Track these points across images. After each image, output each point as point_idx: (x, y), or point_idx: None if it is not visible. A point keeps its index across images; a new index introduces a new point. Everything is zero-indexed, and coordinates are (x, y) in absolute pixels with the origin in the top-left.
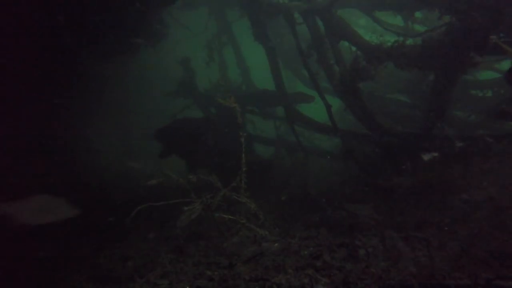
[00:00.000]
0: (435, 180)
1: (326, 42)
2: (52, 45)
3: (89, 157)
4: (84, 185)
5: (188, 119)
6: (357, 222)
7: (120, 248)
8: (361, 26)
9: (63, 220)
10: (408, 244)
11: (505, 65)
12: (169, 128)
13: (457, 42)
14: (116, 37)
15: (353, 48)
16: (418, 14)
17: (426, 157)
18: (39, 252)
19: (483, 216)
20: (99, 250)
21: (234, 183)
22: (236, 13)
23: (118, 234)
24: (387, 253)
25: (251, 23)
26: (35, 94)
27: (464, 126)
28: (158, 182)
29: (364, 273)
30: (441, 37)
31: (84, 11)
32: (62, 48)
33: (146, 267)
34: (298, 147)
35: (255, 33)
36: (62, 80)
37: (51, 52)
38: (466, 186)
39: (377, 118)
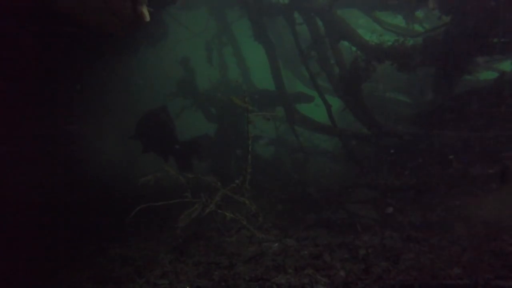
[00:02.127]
0: (435, 181)
1: (326, 42)
2: (52, 44)
3: (89, 157)
4: (84, 185)
5: (149, 110)
6: (357, 222)
7: (120, 248)
8: (361, 26)
9: (63, 220)
10: (408, 244)
11: (505, 65)
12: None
13: (456, 42)
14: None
15: (353, 48)
16: (418, 14)
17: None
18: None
19: (483, 216)
20: (99, 250)
21: (234, 183)
22: (236, 13)
23: (118, 234)
24: (387, 253)
25: (251, 23)
26: (35, 93)
27: None
28: (154, 178)
29: (364, 273)
30: (441, 37)
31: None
32: (62, 47)
33: (146, 267)
34: (298, 147)
35: (255, 33)
36: (62, 80)
37: (52, 51)
38: (466, 187)
39: (377, 118)
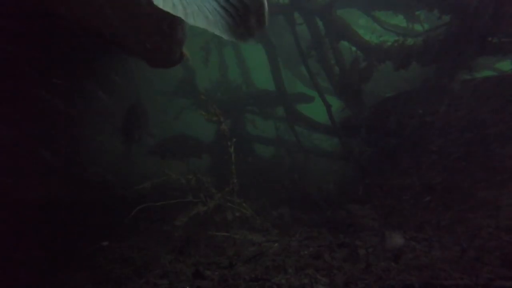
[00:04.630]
0: (435, 180)
1: (326, 42)
2: (53, 44)
3: (89, 157)
4: (84, 185)
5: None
6: (357, 222)
7: (120, 248)
8: (361, 26)
9: (63, 219)
10: (408, 244)
11: (505, 65)
12: None
13: (456, 42)
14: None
15: (353, 48)
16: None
17: None
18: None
19: (483, 216)
20: (99, 250)
21: (229, 186)
22: None
23: (118, 234)
24: (387, 253)
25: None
26: (37, 93)
27: None
28: (152, 184)
29: (364, 273)
30: (441, 37)
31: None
32: (63, 46)
33: (146, 267)
34: (298, 147)
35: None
36: (64, 79)
37: (53, 51)
38: (466, 186)
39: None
